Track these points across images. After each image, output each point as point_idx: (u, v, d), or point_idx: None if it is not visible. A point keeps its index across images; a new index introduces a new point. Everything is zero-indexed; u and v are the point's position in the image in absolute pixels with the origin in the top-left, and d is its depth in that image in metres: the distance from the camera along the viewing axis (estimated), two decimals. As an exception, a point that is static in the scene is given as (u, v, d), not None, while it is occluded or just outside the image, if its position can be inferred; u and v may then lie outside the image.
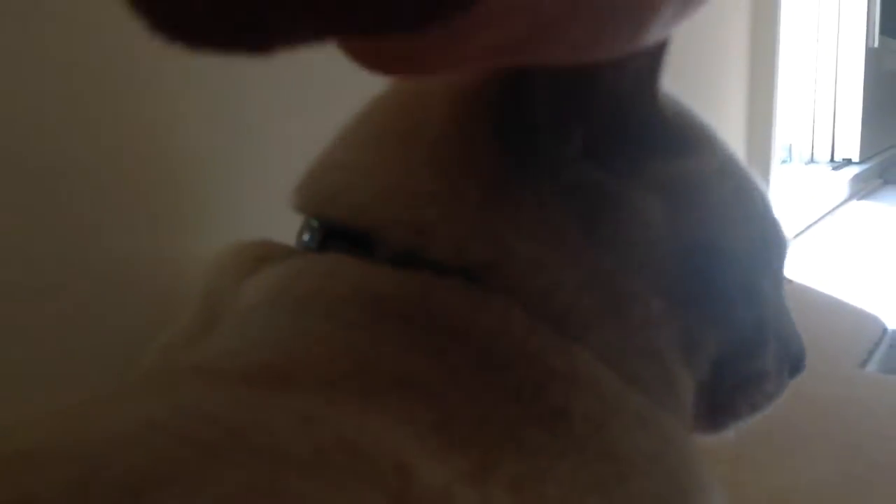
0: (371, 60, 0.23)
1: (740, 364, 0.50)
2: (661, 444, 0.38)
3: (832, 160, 3.62)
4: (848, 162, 3.59)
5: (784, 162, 3.35)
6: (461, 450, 0.32)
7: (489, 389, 0.36)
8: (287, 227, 0.50)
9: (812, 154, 3.64)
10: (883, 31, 3.67)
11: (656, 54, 0.40)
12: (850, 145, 3.61)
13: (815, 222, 2.76)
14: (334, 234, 0.43)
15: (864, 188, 3.43)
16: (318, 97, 0.78)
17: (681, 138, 0.46)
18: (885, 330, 1.66)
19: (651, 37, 0.26)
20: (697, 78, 1.69)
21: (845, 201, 3.19)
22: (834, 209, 3.02)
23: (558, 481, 0.34)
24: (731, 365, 0.48)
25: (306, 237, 0.45)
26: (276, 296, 0.41)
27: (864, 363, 1.50)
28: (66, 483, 0.26)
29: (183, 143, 0.67)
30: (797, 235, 2.50)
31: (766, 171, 2.05)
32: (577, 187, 0.41)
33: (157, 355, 0.48)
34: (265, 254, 0.46)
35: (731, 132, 1.95)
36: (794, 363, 0.55)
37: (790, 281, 1.99)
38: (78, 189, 0.60)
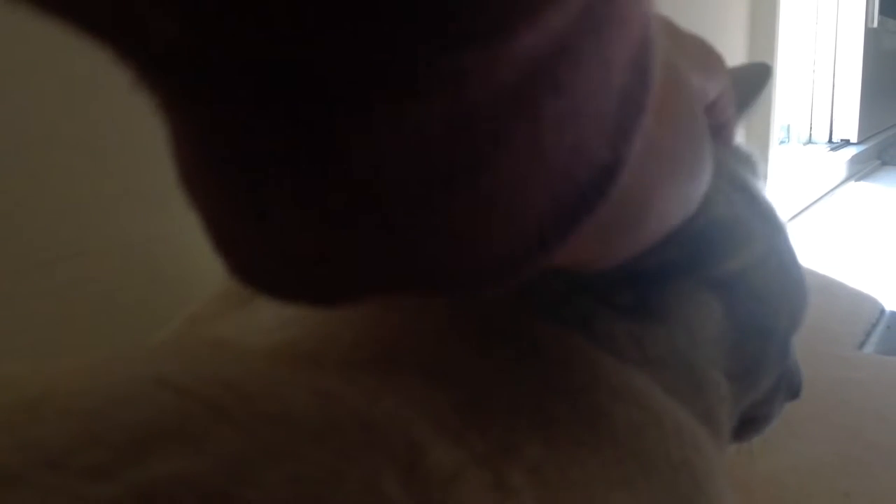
0: None
1: (757, 409, 0.55)
2: (692, 453, 0.39)
3: (830, 141, 3.61)
4: (846, 143, 3.58)
5: (782, 142, 3.34)
6: (481, 431, 0.32)
7: (531, 383, 0.37)
8: None
9: (810, 135, 3.63)
10: (882, 12, 3.65)
11: None
12: (849, 126, 3.60)
13: (813, 203, 2.76)
14: None
15: (862, 169, 3.43)
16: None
17: (731, 239, 0.47)
18: (882, 311, 1.66)
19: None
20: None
21: (843, 182, 3.19)
22: (832, 190, 3.02)
23: (585, 469, 0.34)
24: (749, 411, 0.54)
25: None
26: None
27: (861, 344, 1.50)
28: (70, 434, 0.25)
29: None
30: (795, 216, 2.51)
31: (764, 152, 2.04)
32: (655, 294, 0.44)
33: (183, 326, 0.48)
34: None
35: (729, 112, 1.95)
36: (793, 393, 0.61)
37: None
38: (74, 164, 0.59)
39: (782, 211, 2.27)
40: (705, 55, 0.40)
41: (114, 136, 0.61)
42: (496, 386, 0.35)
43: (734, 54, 1.95)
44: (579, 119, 0.24)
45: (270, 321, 0.39)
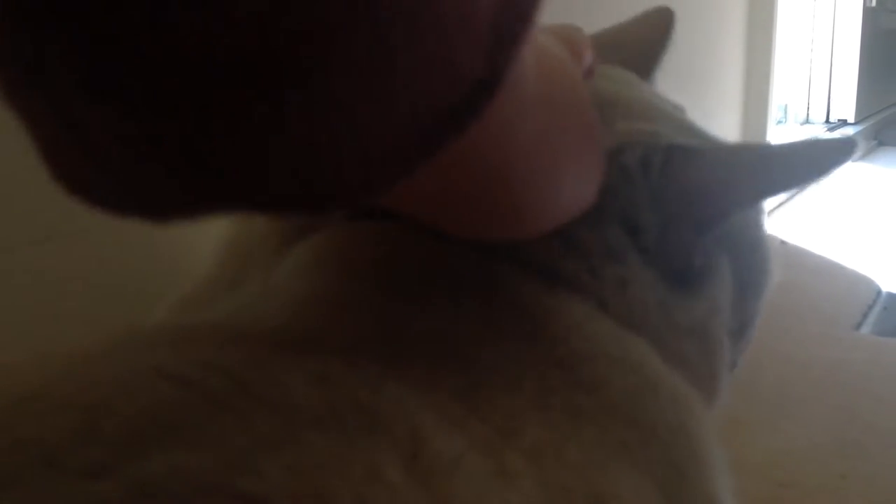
0: None
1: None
2: (686, 417, 0.40)
3: (828, 121, 3.61)
4: (843, 123, 3.58)
5: (779, 122, 3.33)
6: (482, 416, 0.32)
7: (532, 357, 0.37)
8: None
9: (808, 114, 3.63)
10: (880, -10, 3.64)
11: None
12: (846, 106, 3.59)
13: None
14: None
15: (859, 149, 3.42)
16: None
17: (733, 185, 0.47)
18: (879, 292, 1.67)
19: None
20: (694, 38, 1.67)
21: (840, 162, 3.18)
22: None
23: (582, 445, 0.34)
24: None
25: None
26: (324, 256, 0.41)
27: (858, 326, 1.50)
28: (68, 429, 0.25)
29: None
30: (791, 197, 2.50)
31: (761, 132, 2.04)
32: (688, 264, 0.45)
33: (175, 307, 0.48)
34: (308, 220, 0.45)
35: (728, 92, 1.94)
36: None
37: (784, 243, 2.01)
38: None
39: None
40: (571, 31, 0.41)
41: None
42: (498, 366, 0.35)
43: (732, 35, 1.94)
44: (440, 23, 0.22)
45: (266, 305, 0.39)
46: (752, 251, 0.49)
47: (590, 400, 0.37)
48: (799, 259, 1.89)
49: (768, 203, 2.06)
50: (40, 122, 0.23)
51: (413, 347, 0.35)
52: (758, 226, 0.50)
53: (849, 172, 3.07)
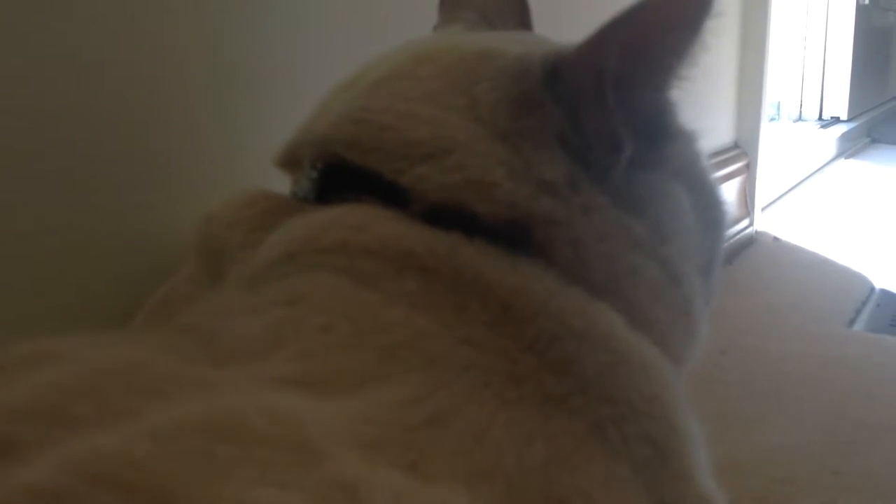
0: None
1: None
2: (659, 389, 0.40)
3: (820, 118, 3.61)
4: (836, 120, 3.58)
5: (772, 119, 3.33)
6: (417, 437, 0.32)
7: (503, 343, 0.38)
8: (275, 177, 0.49)
9: (800, 112, 3.63)
10: (873, -12, 3.64)
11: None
12: (839, 103, 3.59)
13: (803, 181, 2.76)
14: (350, 183, 0.44)
15: (852, 147, 3.43)
16: (308, 52, 0.76)
17: (678, 122, 0.49)
18: (872, 289, 1.67)
19: None
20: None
21: (833, 160, 3.19)
22: (822, 167, 3.02)
23: (549, 438, 0.35)
24: None
25: (305, 187, 0.46)
26: (297, 248, 0.41)
27: (851, 322, 1.50)
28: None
29: (169, 90, 0.66)
30: (785, 194, 2.51)
31: (755, 129, 2.04)
32: (629, 186, 0.45)
33: (155, 308, 0.48)
34: (272, 206, 0.46)
35: (721, 89, 1.94)
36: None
37: (777, 239, 2.00)
38: (64, 139, 0.59)
39: (772, 188, 2.29)
40: None
41: (102, 107, 0.61)
42: (462, 365, 0.36)
43: (726, 31, 1.94)
44: None
45: (237, 305, 0.40)
46: (702, 181, 0.51)
47: (561, 383, 0.37)
48: (792, 255, 1.90)
49: (761, 199, 2.06)
50: None
51: (381, 350, 0.36)
52: (703, 161, 0.52)
53: (842, 169, 3.08)
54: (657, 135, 0.46)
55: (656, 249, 0.45)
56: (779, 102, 3.50)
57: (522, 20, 0.61)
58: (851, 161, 3.26)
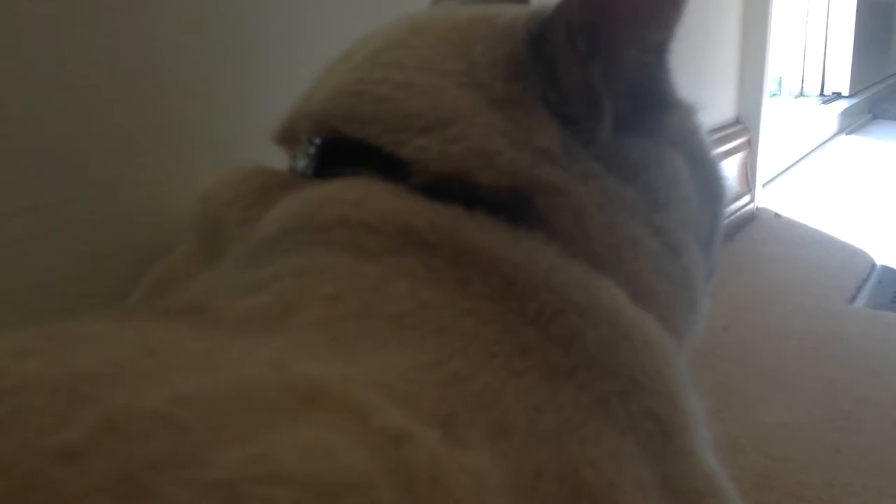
0: None
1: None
2: (662, 365, 0.40)
3: (822, 94, 3.59)
4: (838, 96, 3.56)
5: (774, 95, 3.31)
6: (439, 395, 0.32)
7: (506, 317, 0.37)
8: (270, 152, 0.49)
9: (802, 88, 3.61)
10: (876, -37, 3.61)
11: (672, 24, 0.44)
12: (841, 79, 3.57)
13: (804, 157, 2.75)
14: (348, 156, 0.44)
15: (853, 122, 3.41)
16: (302, 29, 0.75)
17: (675, 93, 0.49)
18: (873, 265, 1.66)
19: None
20: (690, 12, 1.65)
21: (834, 136, 3.17)
22: (823, 143, 3.01)
23: (558, 409, 0.35)
24: None
25: (303, 161, 0.46)
26: (296, 224, 0.41)
27: (852, 299, 1.50)
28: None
29: (162, 65, 0.65)
30: (786, 170, 2.50)
31: (757, 105, 2.03)
32: (622, 151, 0.45)
33: (151, 288, 0.48)
34: (270, 182, 0.46)
35: (723, 65, 1.92)
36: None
37: (778, 216, 2.00)
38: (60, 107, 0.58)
39: (773, 165, 2.28)
40: None
41: (98, 79, 0.60)
42: (470, 334, 0.36)
43: (728, 8, 1.92)
44: None
45: (238, 282, 0.39)
46: (701, 153, 0.51)
47: (566, 357, 0.37)
48: (793, 232, 1.89)
49: (762, 175, 2.05)
50: None
51: (388, 321, 0.36)
52: (703, 134, 0.52)
53: (843, 145, 3.06)
54: (650, 101, 0.46)
55: (651, 217, 0.45)
56: (780, 78, 3.48)
57: None
58: (853, 137, 3.25)
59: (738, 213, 1.88)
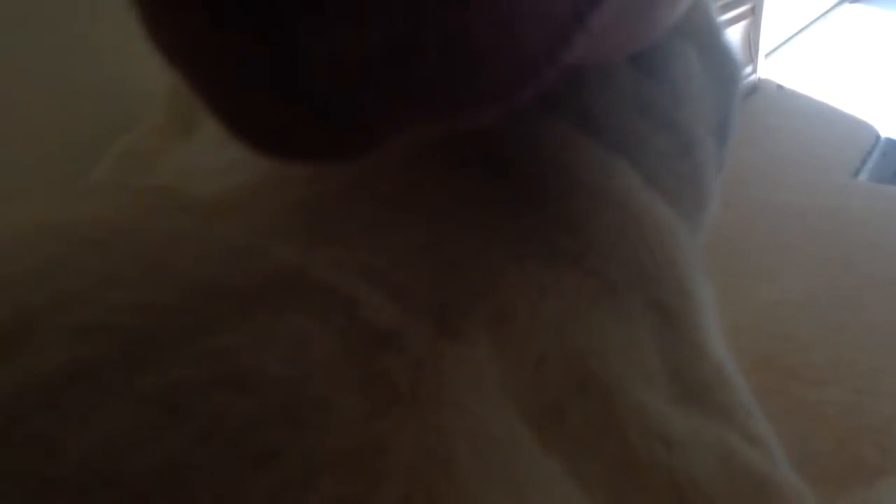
0: None
1: None
2: (673, 251, 0.38)
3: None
4: (843, -38, 3.47)
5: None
6: (434, 281, 0.30)
7: (505, 197, 0.35)
8: None
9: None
10: None
11: None
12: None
13: (807, 26, 2.68)
14: None
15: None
16: None
17: None
18: (877, 137, 1.63)
19: None
20: None
21: (839, 4, 3.10)
22: (827, 12, 2.95)
23: (562, 295, 0.33)
24: None
25: None
26: None
27: (856, 172, 1.47)
28: None
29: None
30: (788, 39, 2.44)
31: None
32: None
33: (119, 162, 0.47)
34: None
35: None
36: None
37: (781, 87, 1.95)
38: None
39: (776, 34, 2.23)
40: None
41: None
42: (466, 219, 0.34)
43: None
44: None
45: (213, 162, 0.37)
46: (715, 37, 0.49)
47: (572, 241, 0.35)
48: (795, 103, 1.85)
49: (765, 45, 1.99)
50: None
51: (372, 199, 0.33)
52: (720, 30, 0.51)
53: (848, 14, 3.00)
54: None
55: (671, 114, 0.43)
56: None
57: None
58: (858, 6, 3.17)
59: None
